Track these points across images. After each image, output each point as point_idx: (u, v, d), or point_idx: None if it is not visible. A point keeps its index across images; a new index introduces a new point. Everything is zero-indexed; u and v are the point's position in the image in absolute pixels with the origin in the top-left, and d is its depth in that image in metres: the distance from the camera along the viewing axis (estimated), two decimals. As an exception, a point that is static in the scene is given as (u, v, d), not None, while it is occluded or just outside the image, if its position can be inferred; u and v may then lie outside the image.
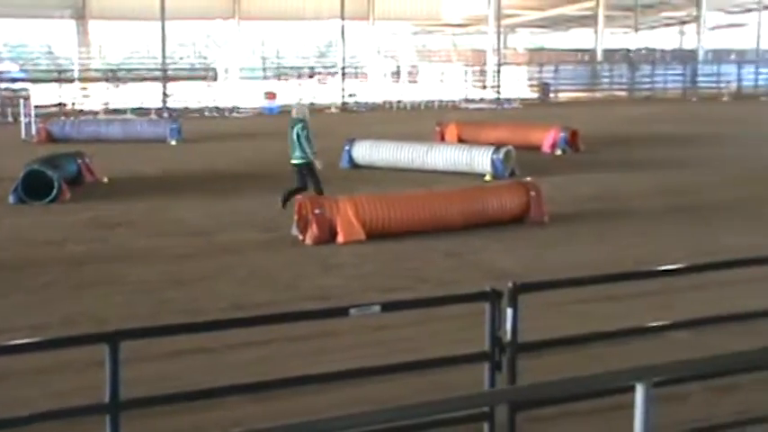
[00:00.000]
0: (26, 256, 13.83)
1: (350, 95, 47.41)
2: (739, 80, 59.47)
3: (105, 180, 20.85)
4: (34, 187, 17.96)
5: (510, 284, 5.94)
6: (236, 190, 19.81)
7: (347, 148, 23.01)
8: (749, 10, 65.41)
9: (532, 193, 15.74)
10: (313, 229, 14.14)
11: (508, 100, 49.08)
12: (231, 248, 14.10)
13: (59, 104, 41.72)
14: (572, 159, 24.55)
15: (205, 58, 64.52)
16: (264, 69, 57.49)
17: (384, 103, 47.55)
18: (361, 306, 5.98)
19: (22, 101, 33.98)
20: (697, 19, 65.03)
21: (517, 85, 55.24)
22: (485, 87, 53.47)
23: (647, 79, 59.68)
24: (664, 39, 78.00)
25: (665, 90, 58.48)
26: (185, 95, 45.52)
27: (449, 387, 6.98)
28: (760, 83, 60.27)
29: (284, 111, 44.27)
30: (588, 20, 65.76)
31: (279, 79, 52.80)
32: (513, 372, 6.00)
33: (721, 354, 4.74)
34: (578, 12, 66.13)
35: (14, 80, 45.78)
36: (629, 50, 63.58)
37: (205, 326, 7.23)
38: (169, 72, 48.69)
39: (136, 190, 19.88)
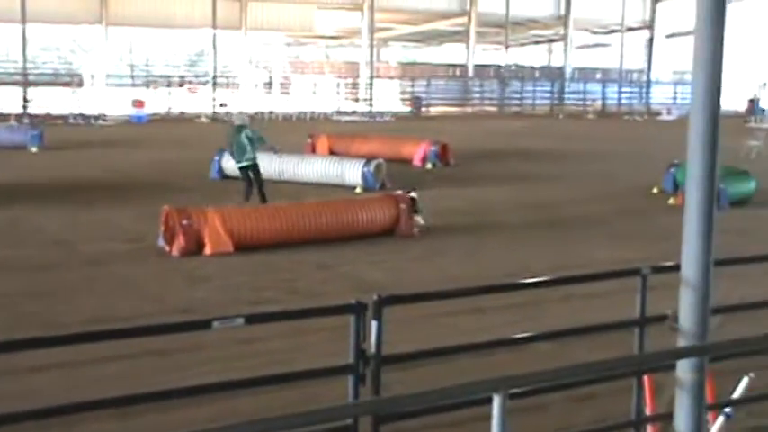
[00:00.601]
0: None
1: (221, 105, 46.95)
2: (604, 98, 61.34)
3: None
4: None
5: (375, 297, 5.93)
6: (100, 199, 19.34)
7: (217, 158, 22.74)
8: (613, 31, 67.50)
9: (402, 206, 15.84)
10: (180, 241, 13.91)
11: (380, 113, 49.44)
12: (94, 259, 13.74)
13: None
14: (442, 173, 24.84)
15: (70, 63, 63.01)
16: (133, 77, 56.51)
17: (256, 113, 47.24)
18: (225, 319, 5.86)
19: None
20: (564, 38, 66.95)
21: (389, 98, 55.73)
22: (357, 100, 53.79)
23: (517, 95, 61.04)
24: (533, 56, 79.85)
25: (534, 106, 59.85)
26: (48, 101, 44.34)
27: (320, 399, 6.95)
28: (623, 101, 62.29)
29: (153, 119, 43.73)
30: (460, 35, 66.87)
31: (148, 87, 51.98)
32: (377, 384, 5.98)
33: (577, 364, 4.83)
34: (450, 27, 67.14)
35: None
36: (499, 66, 64.81)
37: (65, 339, 6.97)
38: (30, 77, 47.38)
39: (-7, 198, 19.21)
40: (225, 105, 46.71)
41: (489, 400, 3.76)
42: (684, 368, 4.77)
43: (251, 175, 18.45)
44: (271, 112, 46.71)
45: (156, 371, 8.53)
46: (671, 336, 5.10)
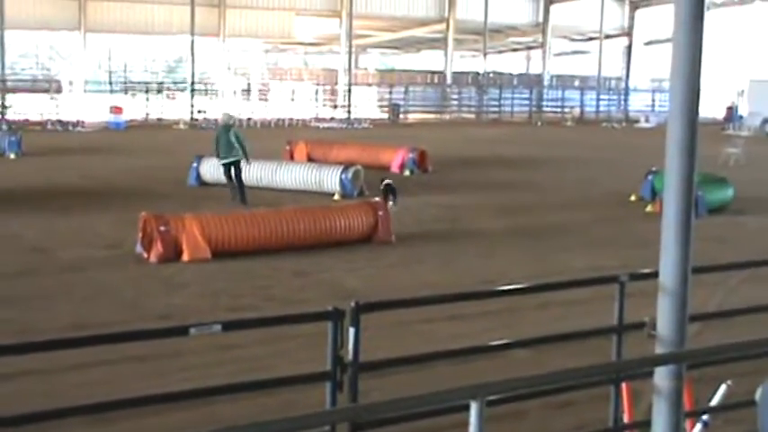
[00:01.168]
0: None
1: (199, 112, 46.82)
2: (582, 106, 61.55)
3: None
4: None
5: (352, 304, 5.92)
6: (78, 206, 19.23)
7: (195, 165, 22.67)
8: (591, 38, 67.80)
9: (380, 213, 15.84)
10: (158, 247, 13.85)
11: (358, 120, 49.43)
12: (72, 266, 13.66)
13: None
14: (420, 180, 24.86)
15: (48, 69, 62.70)
16: (111, 83, 56.28)
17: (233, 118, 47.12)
18: (202, 325, 5.84)
19: None
20: (543, 45, 67.17)
21: (368, 105, 55.74)
22: (335, 107, 53.76)
23: (495, 102, 61.12)
24: (511, 63, 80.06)
25: (512, 113, 59.98)
26: (26, 108, 44.10)
27: (297, 406, 6.93)
28: (601, 108, 62.52)
29: (131, 126, 43.59)
30: (438, 42, 66.97)
31: (126, 94, 51.78)
32: (355, 391, 5.98)
33: (555, 371, 4.85)
34: (429, 34, 67.22)
35: None
36: (477, 73, 64.96)
37: (42, 346, 6.93)
38: (9, 83, 47.12)
39: (-30, 205, 19.06)
40: (203, 112, 46.55)
41: (467, 408, 3.76)
42: (662, 375, 4.79)
43: (233, 172, 19.64)
44: (249, 119, 46.60)
45: (135, 377, 8.50)
46: (649, 343, 5.12)
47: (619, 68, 71.07)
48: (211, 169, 22.26)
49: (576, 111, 60.18)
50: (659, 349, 4.91)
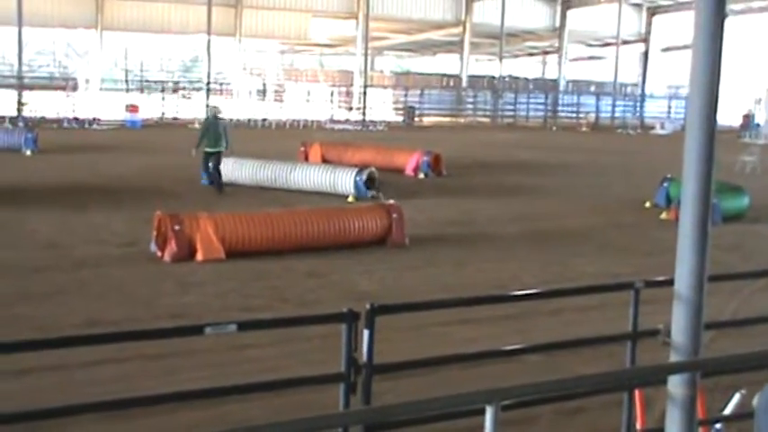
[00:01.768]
0: None
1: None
2: (597, 111, 61.41)
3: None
4: None
5: (367, 306, 5.93)
6: (93, 203, 19.30)
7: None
8: (608, 44, 67.64)
9: (394, 216, 15.83)
10: (172, 246, 13.88)
11: (373, 122, 49.46)
12: (87, 263, 13.71)
13: None
14: (434, 183, 24.85)
15: (65, 67, 62.93)
16: (127, 82, 56.46)
17: (249, 120, 47.25)
18: (217, 325, 5.86)
19: None
20: (559, 50, 67.06)
21: (383, 107, 55.77)
22: (351, 109, 53.80)
23: (510, 106, 61.09)
24: (527, 68, 79.97)
25: (527, 118, 59.91)
26: (43, 105, 44.29)
27: (311, 408, 6.93)
28: (617, 114, 62.37)
29: (146, 124, 43.71)
30: (454, 46, 66.97)
31: (142, 92, 51.95)
32: (368, 393, 5.98)
33: (570, 377, 4.84)
34: (445, 37, 67.23)
35: None
36: (493, 77, 64.90)
37: (57, 342, 6.97)
38: (26, 80, 47.32)
39: (-14, 201, 19.16)
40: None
41: (480, 412, 3.77)
42: (676, 383, 4.77)
43: (211, 163, 21.06)
44: (264, 119, 46.67)
45: (149, 375, 8.52)
46: (663, 350, 5.11)
47: (635, 74, 70.92)
48: (226, 169, 22.32)
49: (591, 116, 60.07)
50: (673, 357, 4.90)
